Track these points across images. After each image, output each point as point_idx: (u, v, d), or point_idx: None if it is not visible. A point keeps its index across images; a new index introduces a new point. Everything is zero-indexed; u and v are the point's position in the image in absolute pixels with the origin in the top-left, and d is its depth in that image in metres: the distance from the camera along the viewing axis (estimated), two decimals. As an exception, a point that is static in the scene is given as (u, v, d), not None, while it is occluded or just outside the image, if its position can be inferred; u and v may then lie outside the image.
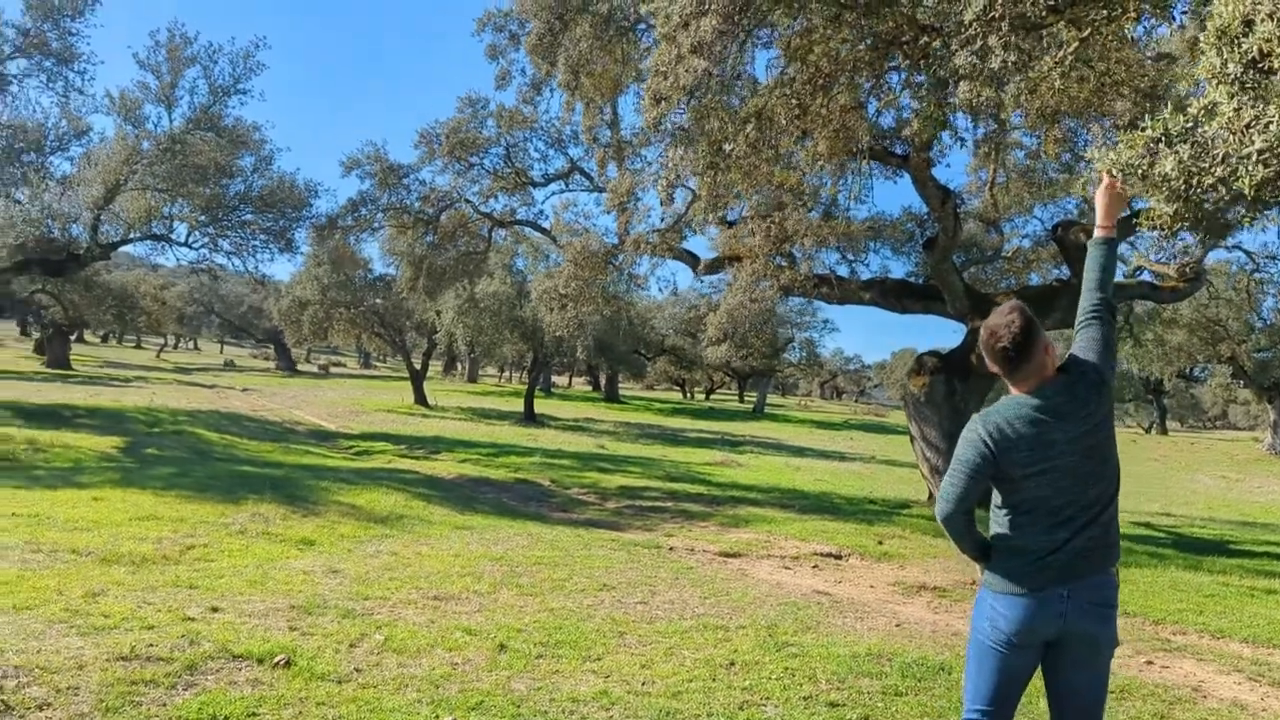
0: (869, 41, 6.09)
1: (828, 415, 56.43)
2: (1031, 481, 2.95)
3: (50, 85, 20.76)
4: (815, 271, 13.53)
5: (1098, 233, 3.28)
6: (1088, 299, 3.23)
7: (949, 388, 13.53)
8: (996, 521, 3.09)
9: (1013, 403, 3.02)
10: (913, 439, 14.40)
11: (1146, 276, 16.69)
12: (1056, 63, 5.01)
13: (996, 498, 3.08)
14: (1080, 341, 3.17)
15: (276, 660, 4.77)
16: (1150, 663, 6.13)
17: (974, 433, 3.02)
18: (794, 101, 6.52)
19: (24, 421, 17.87)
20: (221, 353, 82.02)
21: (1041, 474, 2.94)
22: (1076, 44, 4.98)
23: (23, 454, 14.05)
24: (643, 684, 4.90)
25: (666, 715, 4.48)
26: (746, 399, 64.90)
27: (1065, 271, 14.82)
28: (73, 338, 51.29)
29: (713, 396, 70.34)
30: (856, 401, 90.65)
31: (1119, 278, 15.56)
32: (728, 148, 6.85)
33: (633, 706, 4.57)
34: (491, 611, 6.23)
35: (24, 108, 22.16)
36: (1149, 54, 7.72)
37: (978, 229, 17.95)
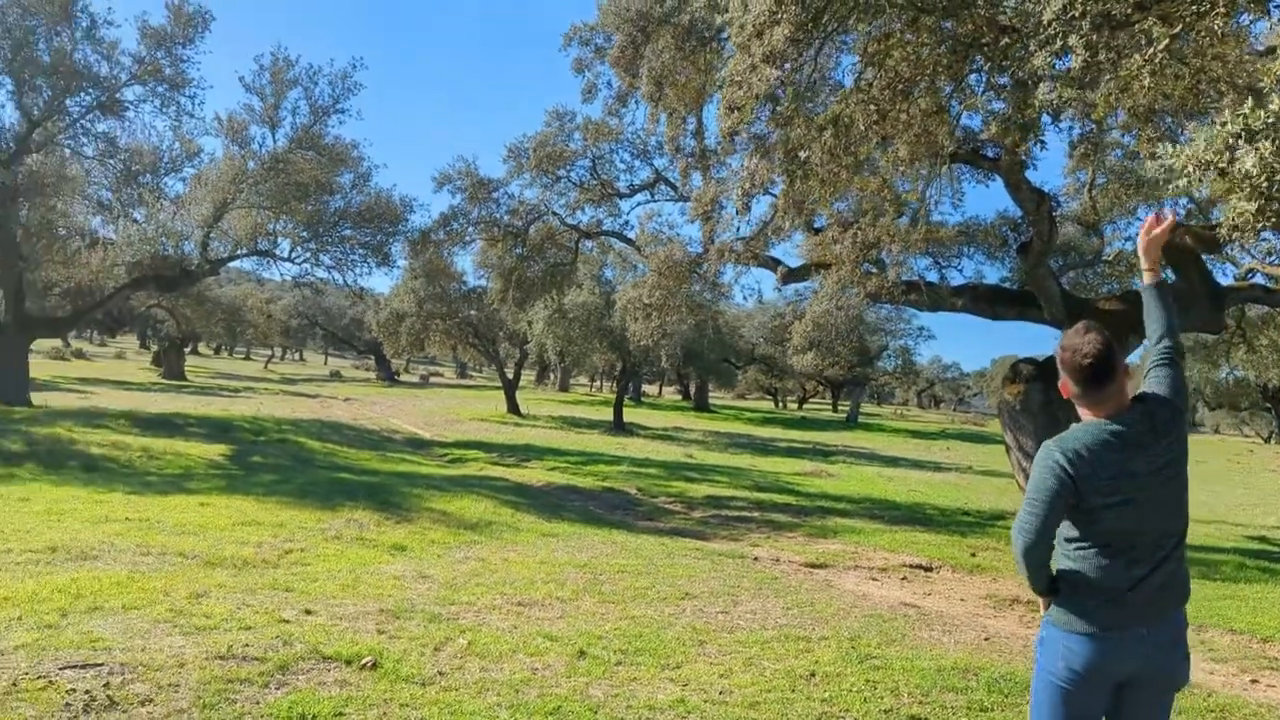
0: (948, 44, 5.99)
1: (924, 424, 55.34)
2: (1111, 513, 2.79)
3: (164, 110, 21.85)
4: (904, 278, 13.32)
5: (1146, 278, 3.20)
6: (1154, 345, 3.12)
7: (1045, 396, 13.14)
8: (1067, 556, 2.91)
9: (1091, 428, 2.86)
10: (1008, 448, 14.04)
11: (1260, 280, 15.96)
12: (1146, 60, 4.85)
13: (1068, 530, 2.90)
14: (1151, 380, 3.05)
15: (364, 662, 4.92)
16: (1255, 681, 5.89)
17: (1051, 459, 2.82)
18: (872, 107, 6.45)
19: (140, 430, 18.73)
20: (325, 364, 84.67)
21: (1122, 505, 2.78)
22: (1167, 40, 4.82)
23: (138, 461, 14.76)
24: (720, 693, 4.91)
25: (744, 726, 4.48)
26: (840, 408, 64.09)
27: (1171, 275, 14.26)
28: (187, 350, 53.63)
29: (805, 406, 69.65)
30: (955, 410, 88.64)
31: (1229, 280, 14.91)
32: (803, 155, 6.82)
33: (710, 715, 4.58)
34: (573, 618, 6.30)
35: (140, 132, 23.36)
36: (1254, 48, 7.42)
37: (1076, 232, 17.42)
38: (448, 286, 33.29)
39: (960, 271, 16.65)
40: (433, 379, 70.12)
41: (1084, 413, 2.93)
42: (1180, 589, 2.89)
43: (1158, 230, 3.19)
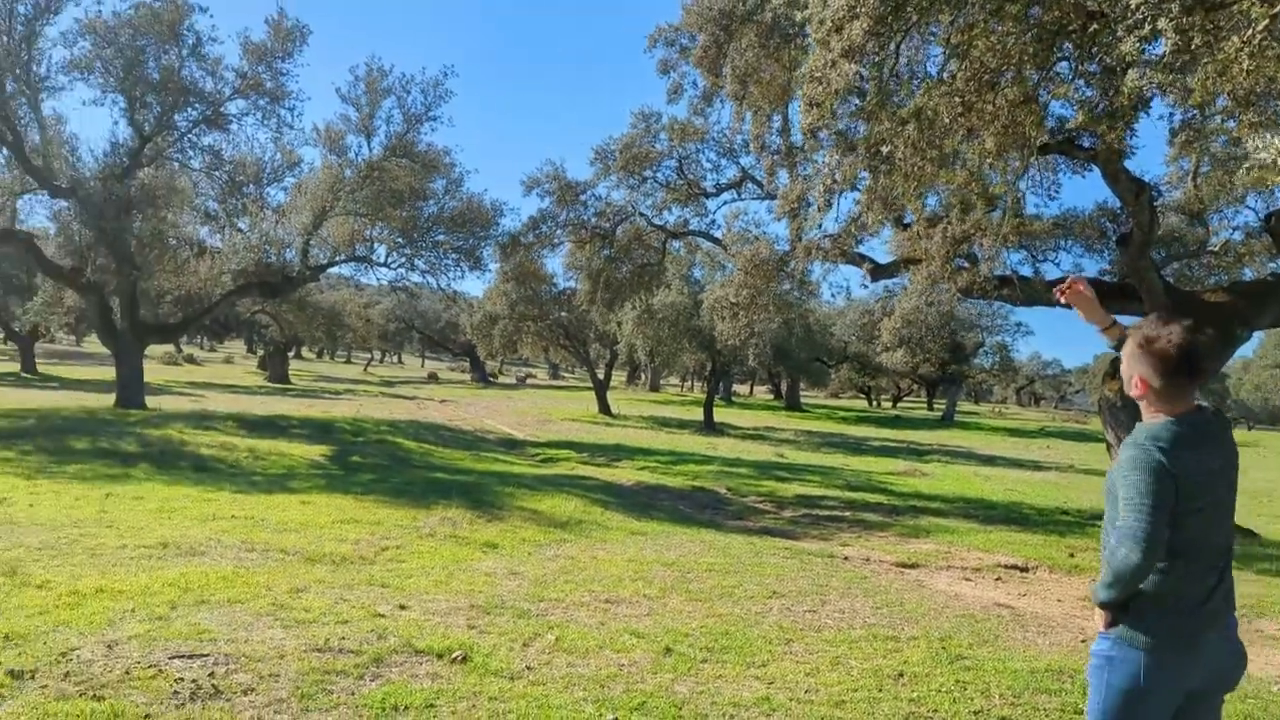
0: (1034, 32, 5.84)
1: (1023, 422, 53.86)
2: (1194, 519, 2.64)
3: (265, 122, 22.72)
4: (996, 273, 13.00)
5: (1109, 337, 3.25)
6: None
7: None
8: None
9: (1178, 425, 2.69)
10: (1109, 446, 13.62)
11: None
12: (1245, 42, 4.66)
13: None
14: None
15: (454, 656, 5.04)
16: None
17: (1152, 458, 2.61)
18: (957, 99, 6.32)
19: (246, 432, 19.45)
20: (422, 366, 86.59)
21: (1206, 509, 2.66)
22: (1266, 21, 4.62)
23: (244, 461, 15.34)
24: (806, 692, 4.89)
25: (829, 725, 4.46)
26: (935, 406, 62.82)
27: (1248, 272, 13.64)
28: (290, 354, 55.47)
29: (900, 404, 68.47)
30: (1056, 408, 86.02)
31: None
32: (886, 150, 6.72)
33: (794, 714, 4.57)
34: (660, 615, 6.34)
35: (243, 144, 24.33)
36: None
37: (1179, 222, 16.75)
38: (538, 289, 33.71)
39: (1057, 265, 16.16)
40: (528, 380, 71.02)
41: (1156, 411, 2.76)
42: (1233, 593, 2.87)
43: (1072, 295, 3.25)
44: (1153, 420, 2.77)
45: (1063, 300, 3.24)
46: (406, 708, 4.30)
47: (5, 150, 20.39)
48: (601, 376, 40.91)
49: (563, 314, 36.57)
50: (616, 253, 20.54)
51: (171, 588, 6.15)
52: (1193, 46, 4.41)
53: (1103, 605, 2.78)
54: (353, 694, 4.43)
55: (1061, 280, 3.19)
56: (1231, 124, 11.51)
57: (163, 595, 5.94)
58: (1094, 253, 16.64)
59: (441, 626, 5.66)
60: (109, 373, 29.42)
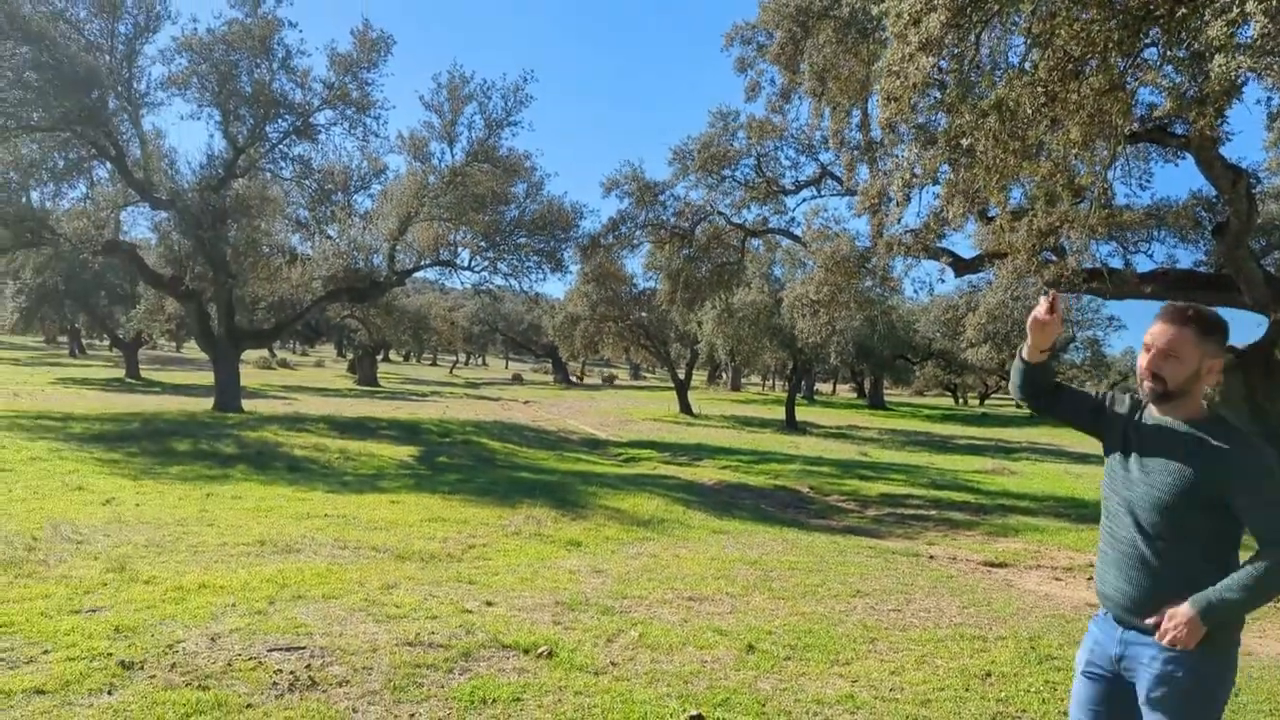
0: (1119, 18, 5.68)
1: (1117, 419, 52.11)
2: None
3: (352, 131, 23.28)
4: (1085, 265, 12.65)
5: (1036, 355, 2.96)
6: None
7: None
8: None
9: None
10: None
11: None
12: (1345, 22, 4.47)
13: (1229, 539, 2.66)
14: None
15: (540, 651, 5.14)
16: None
17: None
18: (1039, 89, 6.19)
19: (337, 433, 19.99)
20: (506, 368, 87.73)
21: None
22: (1366, -2, 4.43)
23: (336, 461, 15.78)
24: (890, 690, 4.87)
25: (912, 723, 4.43)
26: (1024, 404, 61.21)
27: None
28: (379, 357, 56.77)
29: (986, 402, 66.97)
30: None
31: None
32: (966, 143, 6.62)
33: (879, 712, 4.55)
34: (743, 613, 6.36)
35: (331, 153, 24.99)
36: None
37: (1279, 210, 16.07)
38: (618, 289, 33.90)
39: (1150, 256, 15.64)
40: (615, 380, 71.42)
41: (1201, 399, 2.73)
42: None
43: (1048, 317, 2.82)
44: (1235, 418, 2.77)
45: (1044, 315, 2.80)
46: (494, 701, 4.41)
47: (109, 165, 21.31)
48: (682, 376, 40.91)
49: (643, 314, 36.70)
50: (696, 252, 20.55)
51: (269, 583, 6.39)
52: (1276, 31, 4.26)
53: (1225, 622, 2.57)
54: (442, 687, 4.56)
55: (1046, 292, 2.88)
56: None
57: (261, 590, 6.17)
58: (1189, 243, 16.06)
59: (527, 622, 5.77)
60: (207, 377, 30.51)
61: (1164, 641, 2.57)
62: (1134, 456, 2.72)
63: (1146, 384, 2.67)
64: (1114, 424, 2.85)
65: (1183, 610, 2.54)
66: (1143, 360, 2.69)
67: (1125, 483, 2.73)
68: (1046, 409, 3.00)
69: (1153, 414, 2.75)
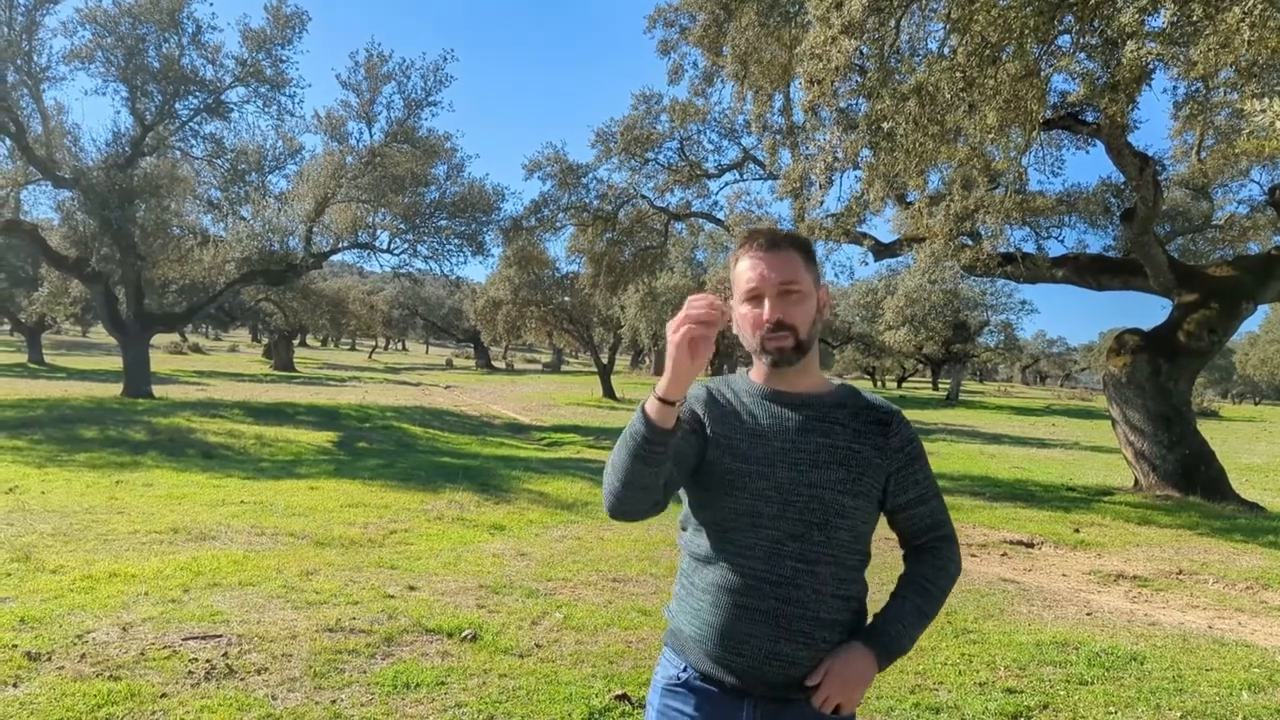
0: (1035, 5, 5.81)
1: (1028, 401, 53.86)
2: None
3: (266, 109, 22.65)
4: (1000, 249, 12.99)
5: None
6: None
7: (1153, 367, 12.72)
8: None
9: None
10: (1114, 422, 13.64)
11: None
12: (1245, 13, 4.64)
13: None
14: None
15: (464, 635, 5.09)
16: None
17: None
18: (958, 74, 6.31)
19: (253, 419, 19.52)
20: (427, 353, 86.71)
21: None
22: (1267, -9, 4.60)
23: (252, 448, 15.41)
24: (812, 665, 4.92)
25: (834, 696, 4.49)
26: (940, 386, 62.79)
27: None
28: (295, 342, 55.56)
29: (904, 385, 68.46)
30: (1061, 386, 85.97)
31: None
32: (887, 127, 6.72)
33: (801, 687, 4.60)
34: (666, 594, 6.38)
35: (244, 132, 24.30)
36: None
37: (1184, 196, 16.72)
38: (541, 273, 33.72)
39: (1061, 241, 16.15)
40: (528, 365, 71.07)
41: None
42: None
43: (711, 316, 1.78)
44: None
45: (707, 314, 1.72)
46: (418, 685, 4.35)
47: (8, 141, 20.40)
48: (606, 361, 40.92)
49: (566, 298, 36.57)
50: (619, 236, 20.54)
51: (184, 571, 6.21)
52: (1193, 18, 4.40)
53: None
54: (364, 672, 4.48)
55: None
56: (1234, 96, 11.50)
57: (175, 579, 5.99)
58: (1098, 229, 16.64)
59: (451, 606, 5.71)
60: (115, 362, 29.54)
61: (827, 708, 1.86)
62: (768, 455, 1.90)
63: (772, 343, 1.89)
64: (722, 427, 1.96)
65: (853, 658, 1.87)
66: (749, 314, 1.92)
67: (760, 494, 1.87)
68: (662, 504, 1.89)
69: (767, 387, 2.00)
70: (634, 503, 1.84)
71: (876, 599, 2.00)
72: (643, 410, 1.75)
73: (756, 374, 2.05)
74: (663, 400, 1.71)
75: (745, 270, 1.94)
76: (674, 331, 1.70)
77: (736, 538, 1.90)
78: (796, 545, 1.86)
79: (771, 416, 1.95)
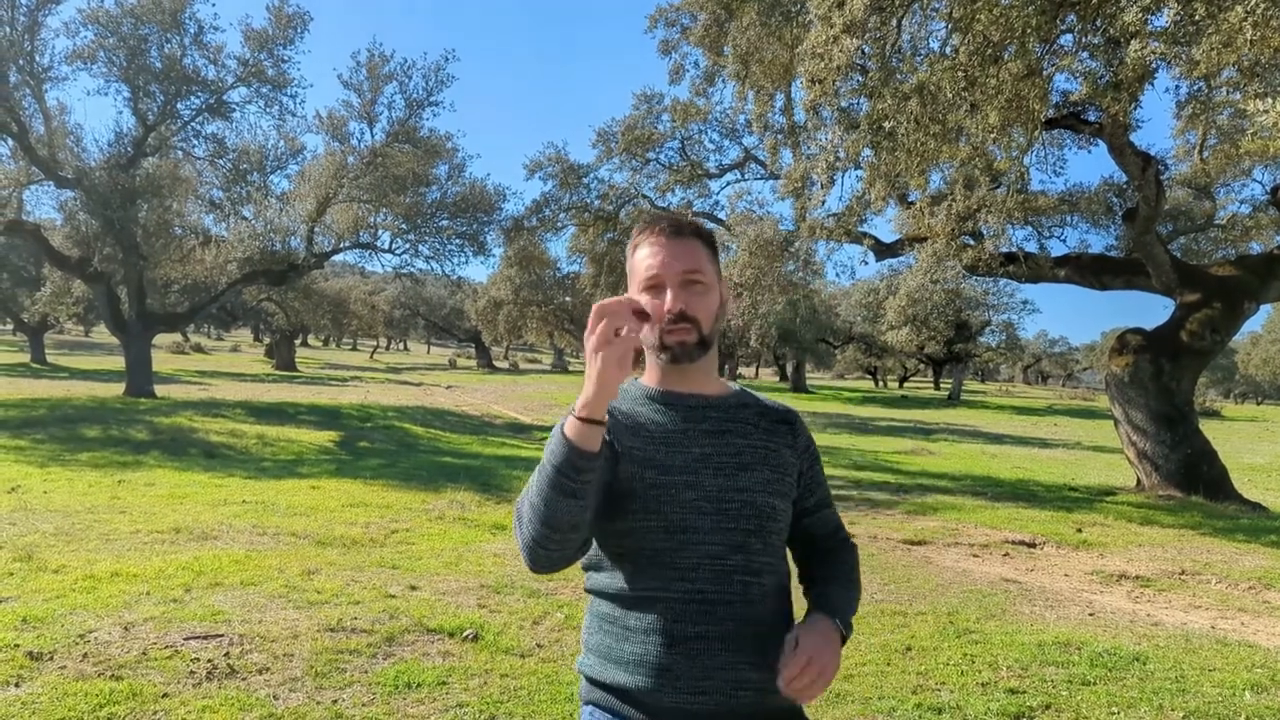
0: (1038, 4, 5.80)
1: (1030, 401, 53.81)
2: None
3: (267, 110, 22.65)
4: (1002, 249, 12.98)
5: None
6: None
7: (1156, 367, 12.71)
8: None
9: None
10: (1117, 422, 13.62)
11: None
12: (1248, 13, 4.64)
13: None
14: None
15: (466, 634, 5.10)
16: None
17: None
18: (960, 73, 6.30)
19: (255, 419, 19.53)
20: (428, 353, 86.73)
21: None
22: (1270, -10, 4.59)
23: (253, 447, 15.42)
24: (814, 666, 4.91)
25: (837, 698, 4.49)
26: (942, 386, 62.75)
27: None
28: (297, 342, 55.59)
29: (906, 385, 68.43)
30: (1063, 386, 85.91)
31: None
32: (888, 126, 6.71)
33: (803, 687, 4.59)
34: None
35: (246, 132, 24.29)
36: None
37: (1186, 196, 16.71)
38: (542, 273, 33.72)
39: (1063, 241, 16.15)
40: (527, 365, 71.07)
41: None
42: None
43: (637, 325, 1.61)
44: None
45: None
46: (419, 685, 4.35)
47: (10, 141, 20.41)
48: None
49: (567, 298, 36.57)
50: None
51: (185, 571, 6.22)
52: (1196, 17, 4.39)
53: None
54: (366, 672, 4.49)
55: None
56: (1237, 96, 11.49)
57: (177, 579, 6.00)
58: (1100, 228, 16.63)
59: (452, 606, 5.72)
60: (118, 362, 29.56)
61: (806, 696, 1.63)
62: (689, 463, 1.71)
63: (673, 336, 1.71)
64: (631, 438, 1.73)
65: (830, 635, 1.70)
66: (647, 305, 1.70)
67: (690, 506, 1.68)
68: (588, 544, 1.73)
69: (661, 389, 1.81)
70: (561, 547, 1.58)
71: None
72: (562, 434, 1.53)
73: (649, 377, 1.84)
74: (586, 420, 1.51)
75: (645, 258, 1.74)
76: (602, 339, 1.50)
77: (672, 560, 1.67)
78: (740, 558, 1.68)
79: (676, 421, 1.75)
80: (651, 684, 1.65)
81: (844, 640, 1.73)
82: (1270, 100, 2.99)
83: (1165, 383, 12.68)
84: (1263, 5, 4.53)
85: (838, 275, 57.29)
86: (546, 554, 1.59)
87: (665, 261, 1.71)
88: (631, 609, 1.70)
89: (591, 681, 1.75)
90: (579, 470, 1.51)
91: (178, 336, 57.41)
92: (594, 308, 1.54)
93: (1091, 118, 11.71)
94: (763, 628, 1.69)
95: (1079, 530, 10.25)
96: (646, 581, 1.68)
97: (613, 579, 1.74)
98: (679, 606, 1.66)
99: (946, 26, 6.71)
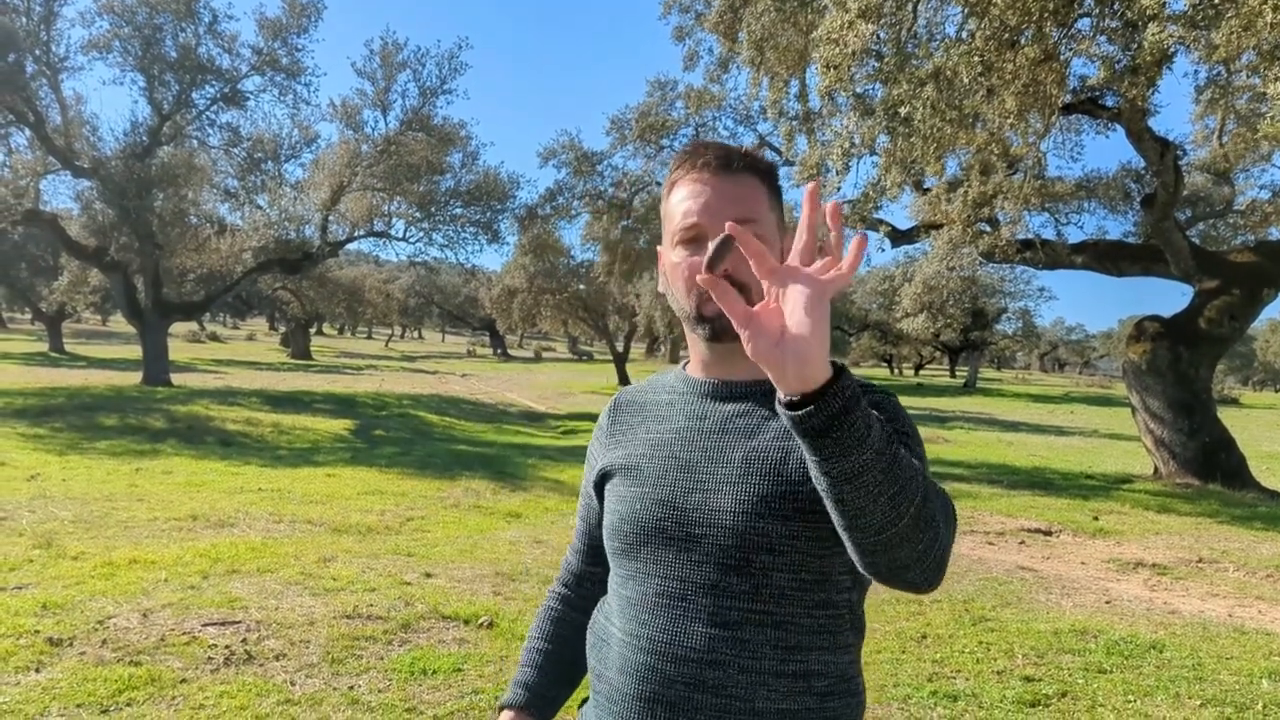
0: (1055, -12, 5.76)
1: (1047, 389, 53.55)
2: None
3: (282, 98, 22.63)
4: (1018, 236, 12.89)
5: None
6: None
7: (1174, 354, 12.61)
8: None
9: None
10: (1134, 410, 13.54)
11: None
12: (1269, -6, 4.57)
13: None
14: None
15: (481, 621, 5.11)
16: None
17: None
18: (976, 59, 6.25)
19: (271, 407, 19.62)
20: (443, 341, 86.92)
21: None
22: (1292, -28, 4.53)
23: (269, 435, 15.50)
24: (829, 653, 4.91)
25: (851, 683, 4.48)
26: (958, 374, 62.50)
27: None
28: (312, 331, 55.80)
29: (921, 372, 68.18)
30: (1080, 374, 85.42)
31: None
32: (904, 112, 6.66)
33: (818, 674, 4.59)
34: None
35: (261, 121, 24.34)
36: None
37: (1205, 182, 16.55)
38: (556, 261, 33.65)
39: (1080, 228, 16.13)
40: (546, 353, 71.15)
41: None
42: None
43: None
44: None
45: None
46: (435, 671, 4.37)
47: (27, 131, 20.51)
48: (621, 349, 40.90)
49: (580, 287, 36.52)
50: (634, 223, 20.50)
51: (203, 558, 6.26)
52: (1215, 0, 4.33)
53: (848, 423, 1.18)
54: (382, 659, 4.51)
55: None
56: (1257, 80, 11.35)
57: (194, 565, 6.04)
58: (1118, 214, 16.50)
59: (467, 593, 5.74)
60: (134, 351, 29.73)
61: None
62: (662, 470, 1.34)
63: (713, 306, 1.26)
64: (619, 448, 1.43)
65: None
66: (683, 264, 1.32)
67: (651, 526, 1.31)
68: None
69: (706, 378, 1.40)
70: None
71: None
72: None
73: (694, 365, 1.43)
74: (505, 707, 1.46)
75: (683, 200, 1.31)
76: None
77: (629, 595, 1.32)
78: (708, 600, 1.25)
79: (695, 418, 1.35)
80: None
81: (839, 373, 1.02)
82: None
83: (1183, 370, 12.58)
84: (1284, -13, 4.47)
85: (854, 262, 56.83)
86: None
87: (709, 205, 1.28)
88: (607, 644, 1.44)
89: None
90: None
91: (194, 325, 57.69)
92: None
93: (1109, 103, 11.60)
94: (734, 701, 1.24)
95: (1095, 518, 10.21)
96: (611, 617, 1.43)
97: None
98: (630, 654, 1.34)
99: (963, 11, 6.65)
